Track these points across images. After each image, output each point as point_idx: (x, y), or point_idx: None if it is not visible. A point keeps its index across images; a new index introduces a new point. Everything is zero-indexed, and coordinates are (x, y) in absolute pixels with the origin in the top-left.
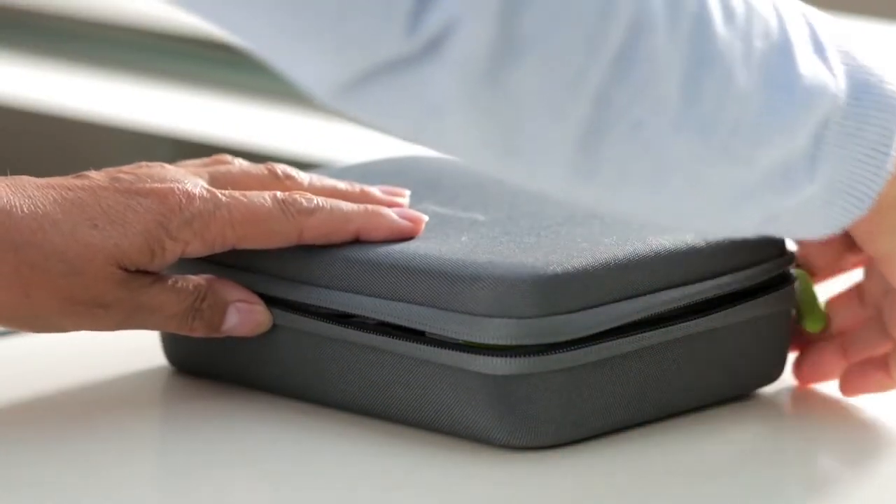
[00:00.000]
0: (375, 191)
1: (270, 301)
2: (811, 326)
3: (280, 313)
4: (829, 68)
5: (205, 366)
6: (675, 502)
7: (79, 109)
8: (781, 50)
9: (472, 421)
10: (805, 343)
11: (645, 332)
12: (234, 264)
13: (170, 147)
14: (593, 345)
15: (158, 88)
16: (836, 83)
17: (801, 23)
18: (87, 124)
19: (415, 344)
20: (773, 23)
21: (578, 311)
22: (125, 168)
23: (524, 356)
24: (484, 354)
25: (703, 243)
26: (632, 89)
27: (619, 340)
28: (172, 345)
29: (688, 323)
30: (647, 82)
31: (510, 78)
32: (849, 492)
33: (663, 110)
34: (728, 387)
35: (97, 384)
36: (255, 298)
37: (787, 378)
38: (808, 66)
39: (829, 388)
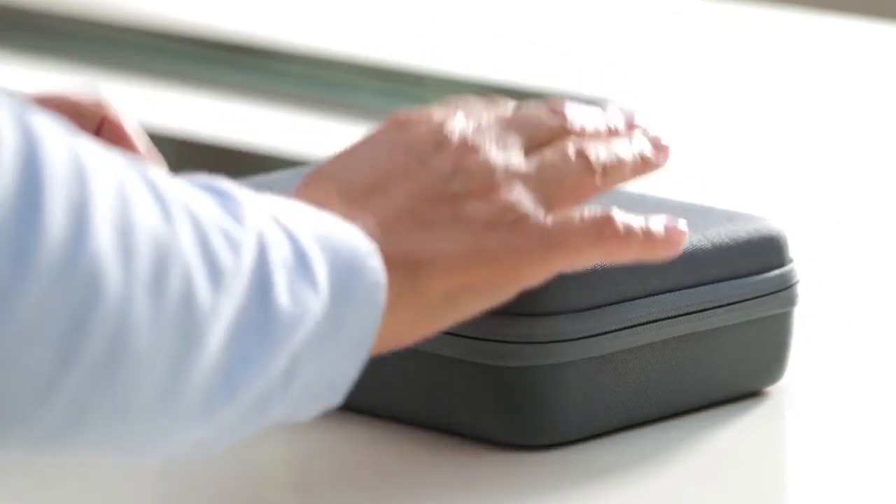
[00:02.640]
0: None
1: None
2: None
3: None
4: (313, 282)
5: None
6: (678, 502)
7: None
8: (260, 290)
9: (478, 419)
10: None
11: (648, 329)
12: None
13: (170, 147)
14: (596, 341)
15: (158, 88)
16: (318, 298)
17: (282, 239)
18: None
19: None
20: (253, 259)
21: (582, 311)
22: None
23: (530, 355)
24: (489, 353)
25: (708, 245)
26: (111, 397)
27: (623, 338)
28: None
29: (690, 322)
30: (128, 388)
31: None
32: (852, 491)
33: (143, 405)
34: (731, 386)
35: None
36: None
37: (791, 377)
38: (288, 294)
39: (833, 388)
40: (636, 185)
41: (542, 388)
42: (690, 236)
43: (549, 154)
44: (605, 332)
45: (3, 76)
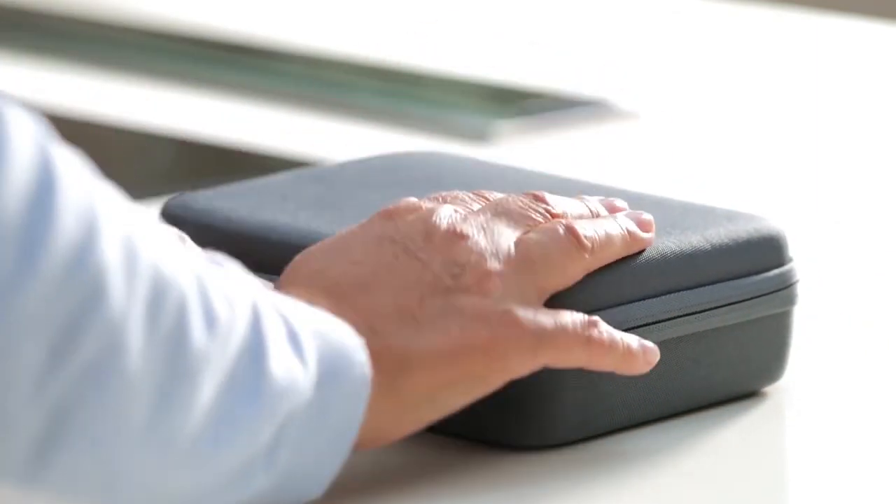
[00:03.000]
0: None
1: None
2: None
3: None
4: (302, 359)
5: None
6: (678, 502)
7: (78, 109)
8: (253, 352)
9: (478, 420)
10: None
11: (647, 331)
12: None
13: (170, 147)
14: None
15: (158, 88)
16: (307, 374)
17: (275, 315)
18: (87, 124)
19: None
20: (248, 322)
21: (584, 313)
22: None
23: None
24: None
25: (707, 245)
26: (97, 409)
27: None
28: None
29: (690, 322)
30: (114, 404)
31: None
32: (853, 492)
33: (128, 430)
34: (731, 386)
35: None
36: None
37: (791, 377)
38: (279, 363)
39: (834, 388)
40: (637, 185)
41: (542, 389)
42: (690, 237)
43: (537, 235)
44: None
45: (3, 76)
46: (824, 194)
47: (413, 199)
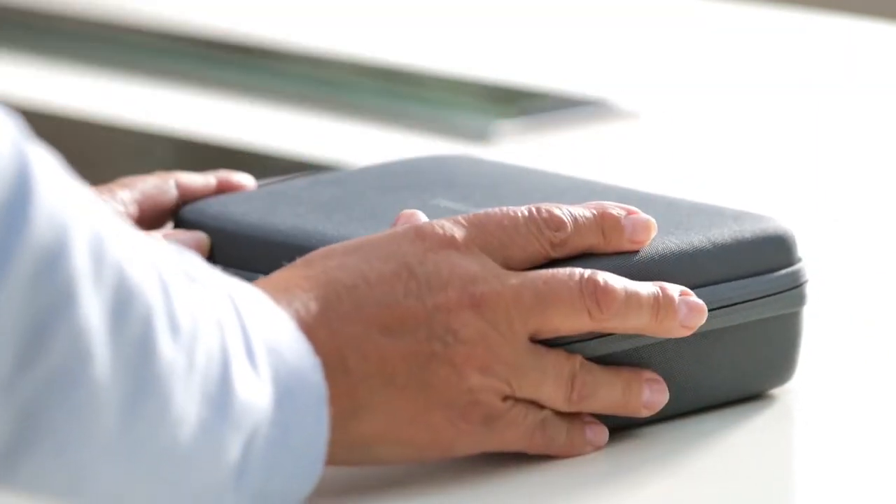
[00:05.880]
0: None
1: None
2: None
3: None
4: (259, 376)
5: None
6: (683, 503)
7: (78, 109)
8: (221, 366)
9: None
10: None
11: None
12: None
13: (170, 147)
14: (596, 342)
15: (158, 88)
16: (265, 390)
17: (236, 328)
18: (87, 124)
19: None
20: (216, 336)
21: None
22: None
23: None
24: None
25: (710, 245)
26: (64, 415)
27: (623, 337)
28: None
29: None
30: (81, 411)
31: None
32: (863, 496)
33: (95, 438)
34: (739, 387)
35: None
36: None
37: (800, 379)
38: (243, 379)
39: (845, 390)
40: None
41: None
42: (692, 237)
43: (550, 361)
44: (603, 335)
45: (3, 76)
46: (836, 194)
47: (450, 228)
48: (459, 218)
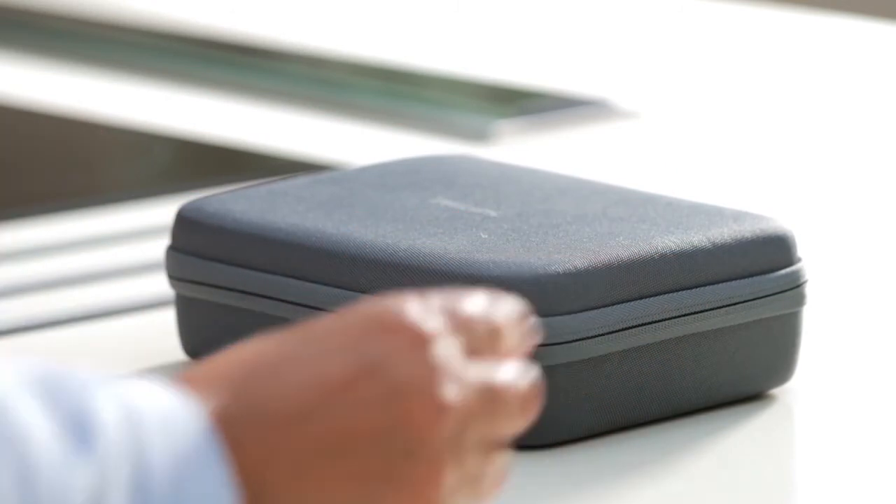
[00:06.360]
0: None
1: (282, 299)
2: None
3: (292, 308)
4: None
5: None
6: (682, 503)
7: (78, 109)
8: None
9: None
10: None
11: (644, 331)
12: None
13: (170, 147)
14: (593, 341)
15: (158, 88)
16: None
17: (126, 485)
18: (87, 124)
19: None
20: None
21: (578, 312)
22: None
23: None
24: None
25: (709, 245)
26: None
27: (620, 337)
28: (189, 336)
29: (688, 323)
30: None
31: None
32: (863, 497)
33: None
34: (738, 387)
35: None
36: None
37: (800, 379)
38: None
39: (845, 390)
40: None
41: (542, 389)
42: (692, 236)
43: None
44: (601, 335)
45: (3, 76)
46: (827, 194)
47: (423, 324)
48: None
